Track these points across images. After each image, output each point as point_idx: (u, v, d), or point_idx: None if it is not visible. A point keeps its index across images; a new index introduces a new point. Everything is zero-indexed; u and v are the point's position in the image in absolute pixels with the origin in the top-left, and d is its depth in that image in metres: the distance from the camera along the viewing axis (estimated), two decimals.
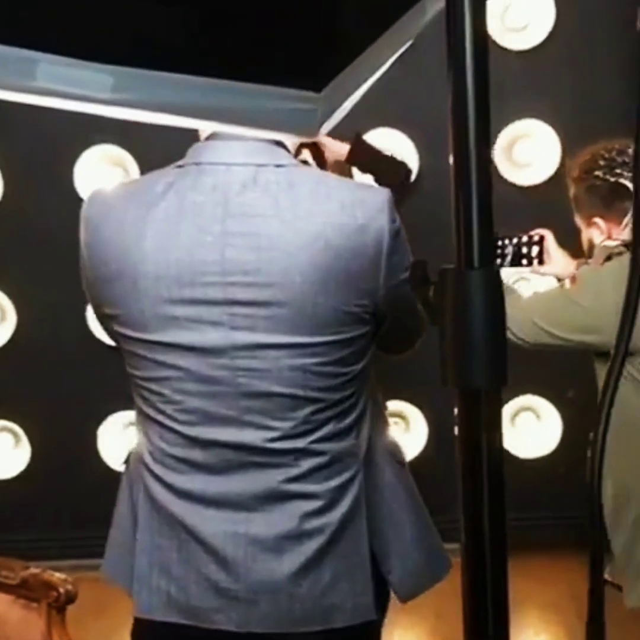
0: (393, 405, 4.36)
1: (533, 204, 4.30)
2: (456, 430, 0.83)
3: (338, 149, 3.10)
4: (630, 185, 2.62)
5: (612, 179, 2.68)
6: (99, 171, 4.33)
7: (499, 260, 2.89)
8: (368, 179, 3.34)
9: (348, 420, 1.75)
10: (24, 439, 4.47)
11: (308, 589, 1.74)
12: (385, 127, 4.35)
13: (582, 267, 2.73)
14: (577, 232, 2.85)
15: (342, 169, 3.04)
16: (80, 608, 2.11)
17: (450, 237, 0.83)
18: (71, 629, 2.09)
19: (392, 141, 4.32)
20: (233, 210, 1.65)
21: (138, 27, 0.92)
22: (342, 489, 1.75)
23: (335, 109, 1.02)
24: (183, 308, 1.66)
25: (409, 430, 4.48)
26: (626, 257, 2.65)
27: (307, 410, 1.70)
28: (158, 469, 1.77)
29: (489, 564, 0.80)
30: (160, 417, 1.75)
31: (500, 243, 2.89)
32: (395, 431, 4.39)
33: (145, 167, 4.00)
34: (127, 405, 1.93)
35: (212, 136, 1.73)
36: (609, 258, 2.65)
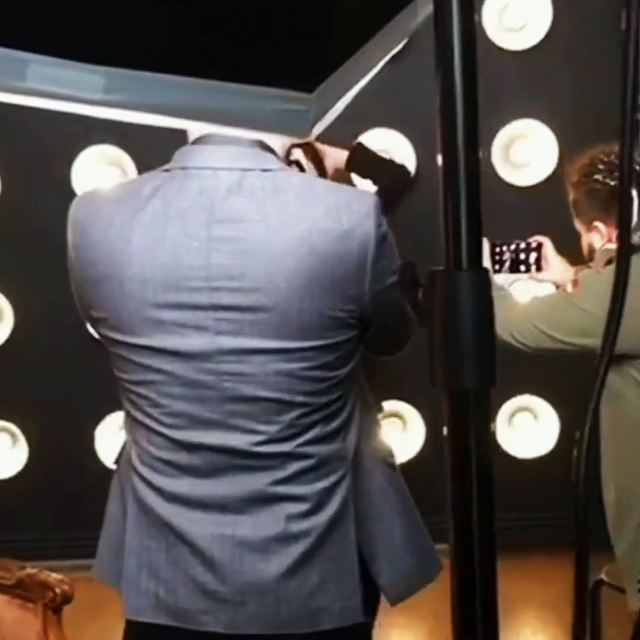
0: (390, 405, 4.36)
1: (530, 205, 4.31)
2: (445, 430, 0.83)
3: (338, 157, 3.10)
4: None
5: (612, 183, 2.68)
6: (97, 171, 4.34)
7: (497, 267, 2.90)
8: (368, 184, 3.34)
9: (335, 424, 1.75)
10: (22, 439, 4.47)
11: (295, 590, 1.74)
12: (382, 128, 4.36)
13: (584, 270, 2.74)
14: (574, 234, 2.85)
15: (342, 176, 3.04)
16: (76, 608, 2.11)
17: None
18: (67, 629, 2.09)
19: (389, 141, 4.33)
20: (219, 215, 1.66)
21: (129, 28, 0.92)
22: (330, 491, 1.75)
23: (328, 109, 1.02)
24: (169, 312, 1.67)
25: (406, 430, 4.47)
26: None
27: (293, 414, 1.70)
28: (146, 472, 1.78)
29: (478, 564, 0.80)
30: (147, 421, 1.75)
31: (498, 249, 2.89)
32: (393, 431, 4.40)
33: (143, 167, 4.00)
34: None
35: (199, 140, 1.73)
36: (609, 262, 2.66)
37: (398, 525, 1.85)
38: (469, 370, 0.82)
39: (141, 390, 1.74)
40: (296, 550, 1.73)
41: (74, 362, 4.34)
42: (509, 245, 2.90)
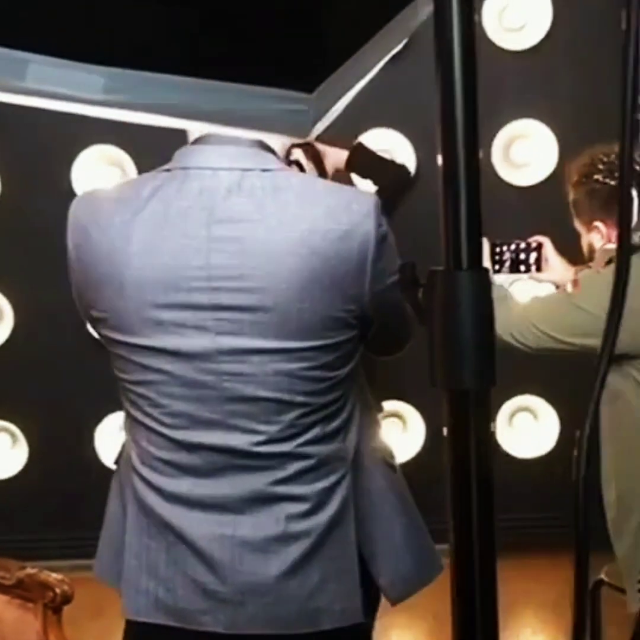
0: (391, 405, 4.36)
1: (530, 205, 4.31)
2: (445, 431, 0.83)
3: (338, 157, 3.10)
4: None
5: (613, 183, 2.68)
6: (97, 171, 4.33)
7: (497, 267, 2.89)
8: (368, 184, 3.35)
9: (335, 424, 1.75)
10: (22, 439, 4.46)
11: (295, 590, 1.74)
12: (382, 128, 4.36)
13: (584, 271, 2.74)
14: (574, 233, 2.85)
15: (342, 176, 3.04)
16: (76, 608, 2.11)
17: None
18: (67, 629, 2.09)
19: (389, 141, 4.32)
20: (219, 216, 1.65)
21: (129, 28, 0.92)
22: (330, 491, 1.75)
23: (328, 109, 1.02)
24: (169, 312, 1.67)
25: (406, 430, 4.47)
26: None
27: (293, 414, 1.70)
28: (146, 472, 1.78)
29: (478, 565, 0.80)
30: (147, 420, 1.75)
31: (498, 250, 2.89)
32: (393, 431, 4.40)
33: (143, 167, 4.00)
34: None
35: (199, 140, 1.73)
36: (610, 262, 2.66)
37: (398, 525, 1.85)
38: (469, 370, 0.82)
39: (141, 390, 1.74)
40: (296, 550, 1.73)
41: (74, 362, 4.33)
42: (509, 245, 2.90)
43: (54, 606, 2.06)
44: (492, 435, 0.84)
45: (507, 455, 4.44)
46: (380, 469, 1.85)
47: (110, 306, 1.70)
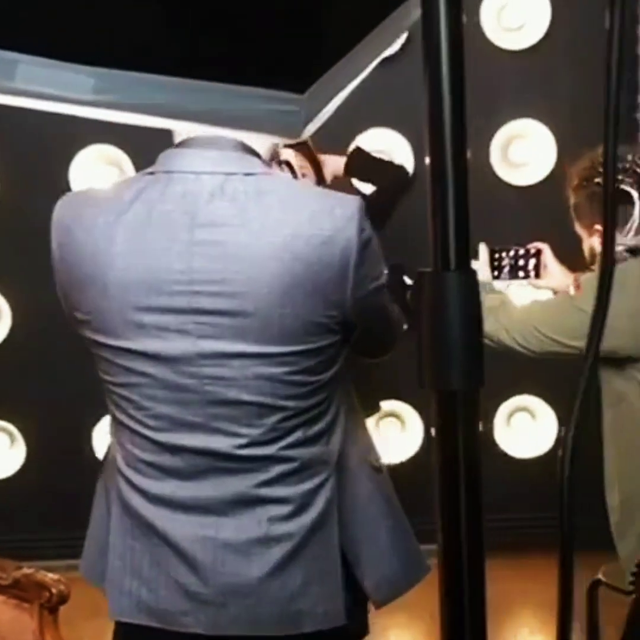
0: (388, 405, 4.36)
1: (529, 204, 4.31)
2: (433, 431, 0.83)
3: (336, 164, 3.10)
4: (631, 190, 2.62)
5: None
6: (95, 171, 4.34)
7: (496, 273, 2.89)
8: (368, 187, 3.35)
9: (318, 427, 1.75)
10: (20, 439, 4.47)
11: (277, 592, 1.74)
12: (380, 128, 4.36)
13: (586, 274, 2.73)
14: (572, 234, 2.85)
15: (342, 183, 3.04)
16: (72, 608, 2.11)
17: None
18: (63, 629, 2.09)
19: (387, 142, 4.33)
20: (201, 220, 1.65)
21: (120, 29, 0.92)
22: (313, 493, 1.75)
23: (320, 110, 1.02)
24: (150, 316, 1.67)
25: (404, 430, 4.47)
26: (629, 263, 2.65)
27: (275, 418, 1.70)
28: (130, 474, 1.78)
29: (466, 565, 0.80)
30: (131, 423, 1.76)
31: (497, 256, 2.88)
32: (391, 431, 4.40)
33: (141, 167, 3.99)
34: None
35: (183, 143, 1.72)
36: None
37: (383, 528, 1.85)
38: (457, 371, 0.82)
39: (125, 392, 1.74)
40: (278, 552, 1.73)
41: (72, 363, 4.30)
42: (508, 251, 2.89)
43: (50, 606, 2.05)
44: (480, 435, 0.84)
45: (505, 455, 4.45)
46: (365, 472, 1.85)
47: (94, 307, 1.70)
